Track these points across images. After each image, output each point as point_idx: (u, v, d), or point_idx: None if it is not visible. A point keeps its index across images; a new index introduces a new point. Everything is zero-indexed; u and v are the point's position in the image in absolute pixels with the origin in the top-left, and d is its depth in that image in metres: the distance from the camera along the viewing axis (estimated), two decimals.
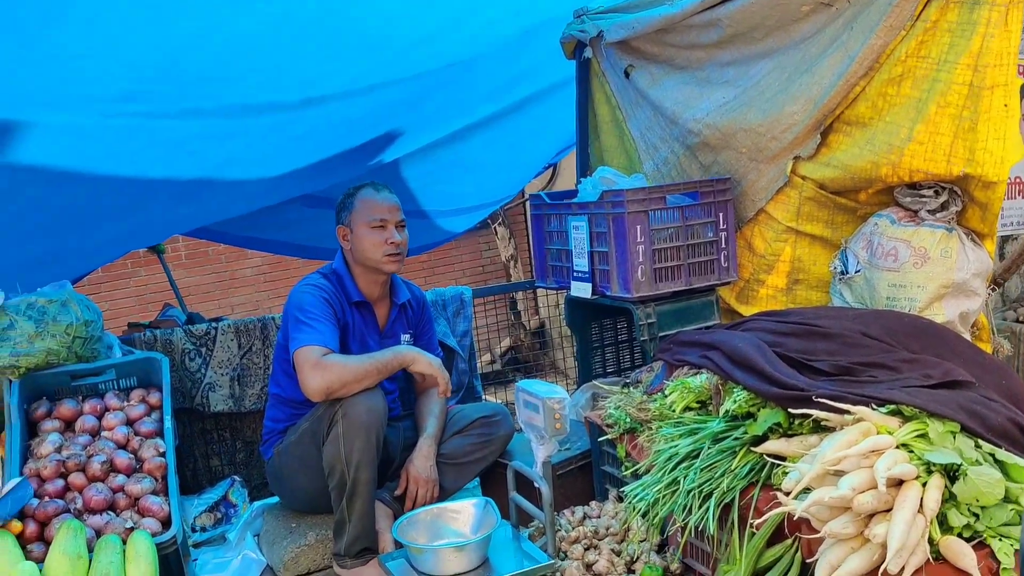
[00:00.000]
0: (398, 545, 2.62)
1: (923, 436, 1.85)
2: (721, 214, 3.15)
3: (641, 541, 2.52)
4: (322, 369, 2.68)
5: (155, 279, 7.16)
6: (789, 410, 2.04)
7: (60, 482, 2.76)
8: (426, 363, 2.88)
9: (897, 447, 1.83)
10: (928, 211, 2.67)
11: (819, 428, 2.02)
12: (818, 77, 2.83)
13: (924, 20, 2.54)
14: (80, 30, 2.46)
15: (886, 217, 2.75)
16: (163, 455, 2.92)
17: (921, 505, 1.74)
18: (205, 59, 2.84)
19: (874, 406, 1.92)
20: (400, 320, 3.19)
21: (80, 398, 3.08)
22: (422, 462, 2.97)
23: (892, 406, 1.92)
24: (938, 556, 1.74)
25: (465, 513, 2.62)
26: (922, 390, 1.95)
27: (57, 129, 2.86)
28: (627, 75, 3.60)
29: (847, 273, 2.84)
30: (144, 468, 2.88)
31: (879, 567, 1.70)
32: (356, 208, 3.02)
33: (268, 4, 2.72)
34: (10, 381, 2.96)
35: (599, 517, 2.74)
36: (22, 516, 2.63)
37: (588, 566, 2.50)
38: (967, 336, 2.66)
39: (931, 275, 2.61)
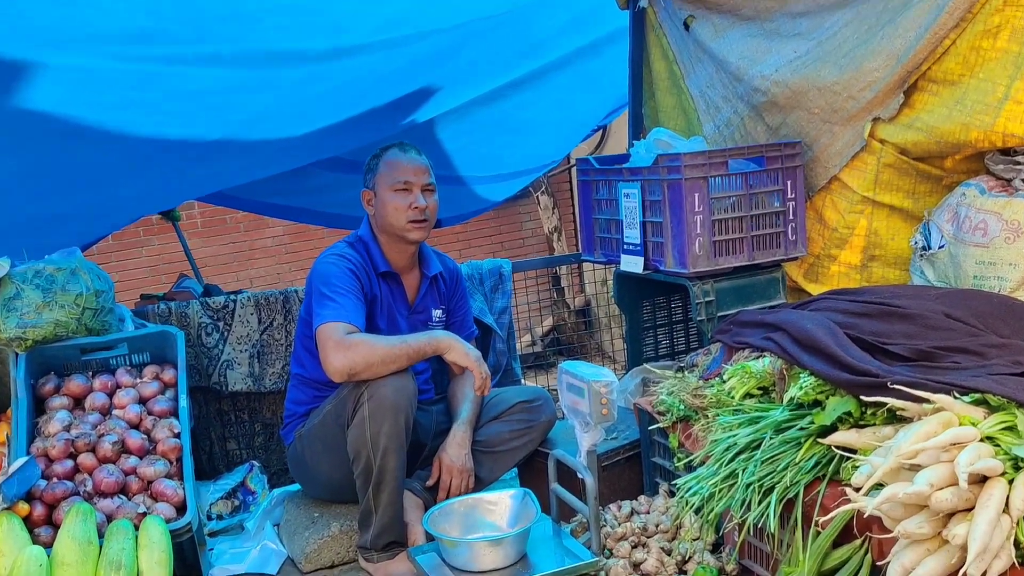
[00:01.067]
0: (429, 538, 2.66)
1: (1011, 428, 1.82)
2: (789, 182, 3.12)
3: (694, 539, 2.52)
4: (345, 348, 2.71)
5: (169, 248, 7.26)
6: (861, 398, 2.02)
7: (69, 463, 2.82)
8: (462, 353, 2.88)
9: (981, 440, 1.80)
10: (1023, 180, 2.62)
11: (894, 418, 2.00)
12: (902, 29, 2.78)
13: None
14: None
15: (975, 187, 2.70)
16: (178, 436, 2.98)
17: (1007, 504, 1.72)
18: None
19: (956, 394, 1.90)
20: (431, 294, 3.22)
21: (90, 374, 3.14)
22: (456, 450, 3.00)
23: (977, 395, 1.89)
24: None
25: (502, 505, 2.64)
26: (1011, 378, 1.91)
27: (67, 72, 2.89)
28: (687, 27, 3.57)
29: (929, 249, 2.80)
30: (158, 450, 2.94)
31: (958, 571, 1.69)
32: (380, 170, 3.04)
33: None
34: (16, 354, 3.02)
35: (648, 513, 2.75)
36: (29, 498, 2.69)
37: (635, 565, 2.51)
38: None
39: None
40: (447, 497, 2.89)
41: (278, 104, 3.57)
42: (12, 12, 2.61)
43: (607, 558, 2.53)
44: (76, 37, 2.79)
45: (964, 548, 1.70)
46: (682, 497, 2.32)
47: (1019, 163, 2.62)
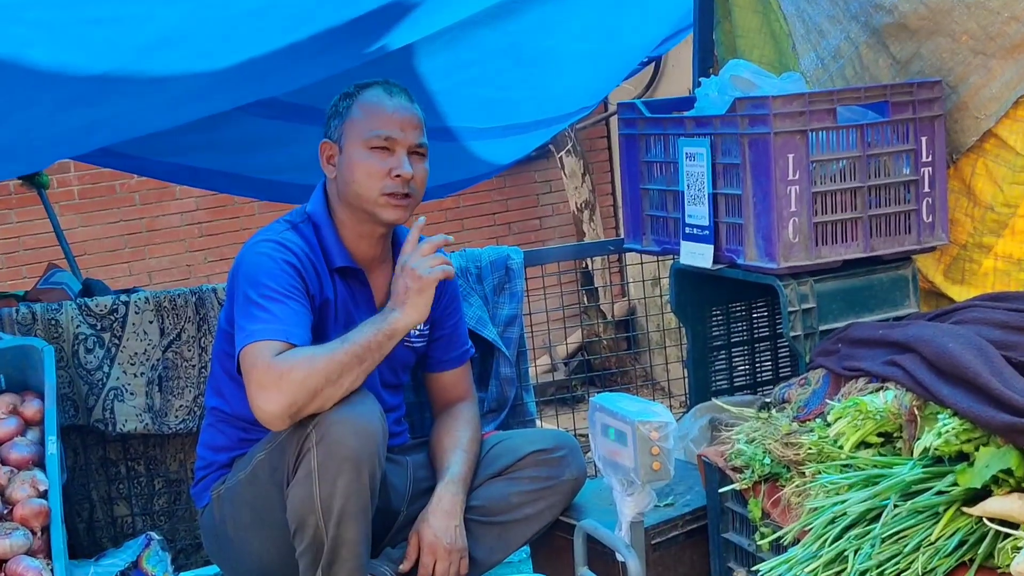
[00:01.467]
0: None
1: None
2: (924, 138, 3.09)
3: None
4: (277, 378, 2.69)
5: (33, 228, 7.30)
6: None
7: None
8: (417, 306, 2.88)
9: None
10: None
11: None
12: None
13: None
14: None
15: None
16: (44, 496, 2.97)
17: None
18: None
19: None
20: None
21: None
22: (442, 520, 2.98)
23: None
24: None
25: None
26: None
27: None
28: None
29: None
30: (15, 515, 2.93)
31: None
32: (353, 115, 3.03)
33: None
34: None
35: None
36: None
37: None
38: None
39: None
40: None
41: (190, 23, 3.53)
42: None
43: None
44: None
45: None
46: None
47: None
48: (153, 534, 3.57)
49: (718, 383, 3.69)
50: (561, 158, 8.41)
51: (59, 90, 3.50)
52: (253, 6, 3.60)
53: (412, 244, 2.92)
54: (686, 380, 3.88)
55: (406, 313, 2.84)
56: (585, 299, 8.00)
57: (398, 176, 2.96)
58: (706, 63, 3.93)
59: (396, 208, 3.00)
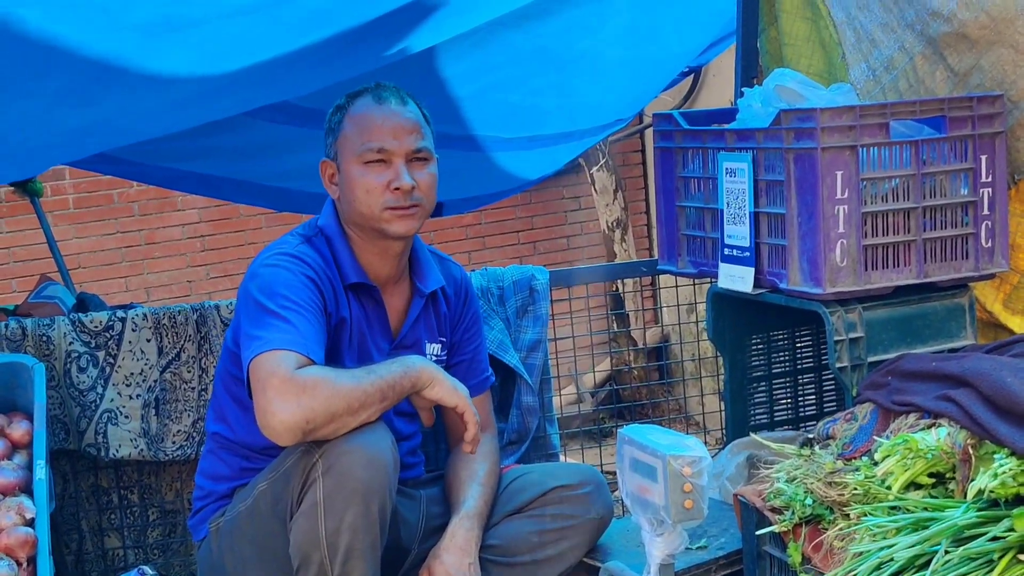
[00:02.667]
0: None
1: None
2: (984, 156, 3.08)
3: None
4: (298, 391, 2.66)
5: (24, 239, 7.35)
6: None
7: None
8: (447, 388, 2.89)
9: None
10: None
11: None
12: None
13: None
14: None
15: None
16: (31, 524, 2.98)
17: None
18: None
19: None
20: (426, 320, 3.22)
21: None
22: (456, 558, 2.98)
23: None
24: None
25: None
26: None
27: None
28: None
29: None
30: (0, 543, 2.95)
31: None
32: (344, 130, 3.03)
33: None
34: None
35: None
36: None
37: None
38: None
39: None
40: None
41: (199, 16, 3.52)
42: None
43: None
44: None
45: None
46: None
47: None
48: (146, 568, 3.58)
49: (757, 417, 3.68)
50: (592, 173, 8.41)
51: (54, 76, 3.47)
52: (266, 3, 3.62)
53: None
54: (722, 414, 3.87)
55: (436, 377, 2.88)
56: (615, 325, 7.99)
57: (398, 188, 2.95)
58: (749, 72, 3.92)
59: (403, 220, 3.00)
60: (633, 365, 7.99)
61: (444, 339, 3.25)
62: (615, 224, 8.46)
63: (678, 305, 5.95)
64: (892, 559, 2.25)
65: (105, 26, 3.28)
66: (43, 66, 3.35)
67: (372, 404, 2.74)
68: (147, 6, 3.31)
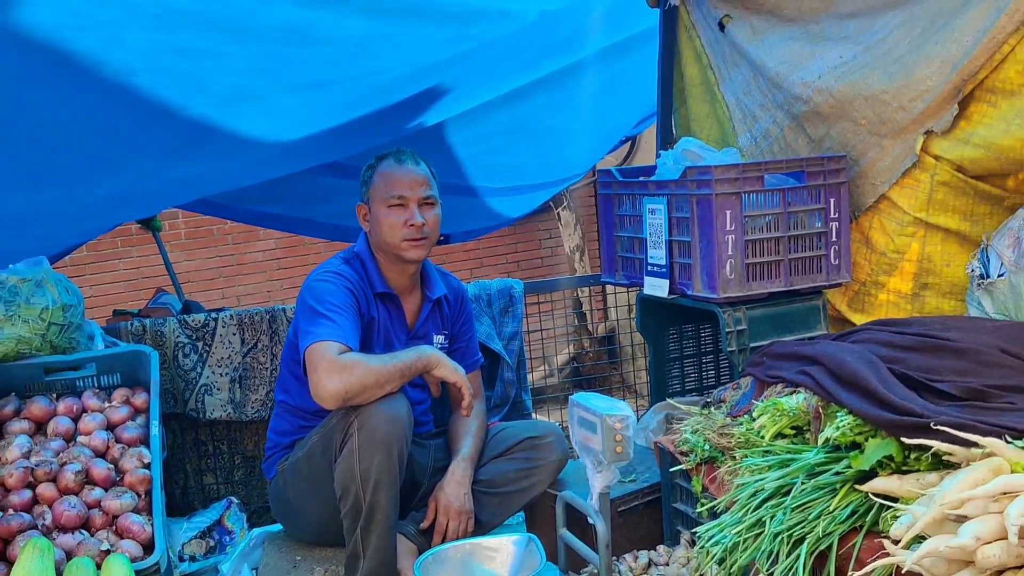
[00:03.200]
0: None
1: None
2: (832, 199, 3.09)
3: None
4: (340, 369, 2.72)
5: (149, 262, 7.33)
6: (903, 440, 2.00)
7: (27, 493, 2.85)
8: (449, 369, 2.94)
9: None
10: None
11: (940, 464, 1.99)
12: (958, 34, 2.77)
13: None
14: None
15: None
16: (148, 467, 2.99)
17: None
18: None
19: (1009, 438, 1.88)
20: (433, 318, 3.24)
21: (54, 396, 3.16)
22: (454, 489, 3.00)
23: None
24: None
25: (504, 552, 2.63)
26: None
27: None
28: (722, 28, 3.58)
29: (988, 277, 2.77)
30: (125, 481, 2.95)
31: None
32: (375, 183, 3.08)
33: None
34: None
35: (667, 564, 2.74)
36: None
37: None
38: None
39: None
40: (443, 541, 2.89)
41: (261, 91, 3.50)
42: None
43: None
44: None
45: None
46: (703, 547, 2.30)
47: None
48: (233, 499, 3.59)
49: (672, 387, 3.68)
50: (559, 212, 8.41)
51: (160, 134, 3.43)
52: (320, 88, 3.61)
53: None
54: (649, 384, 3.87)
55: (442, 361, 2.94)
56: (575, 320, 7.98)
57: (412, 225, 3.02)
58: (666, 140, 3.92)
59: (416, 248, 3.06)
60: (588, 350, 7.97)
61: (447, 332, 3.28)
62: (575, 248, 8.46)
63: (618, 306, 5.98)
64: (763, 488, 2.25)
65: (196, 92, 3.26)
66: (150, 123, 3.32)
67: (394, 380, 2.79)
68: (222, 76, 3.27)
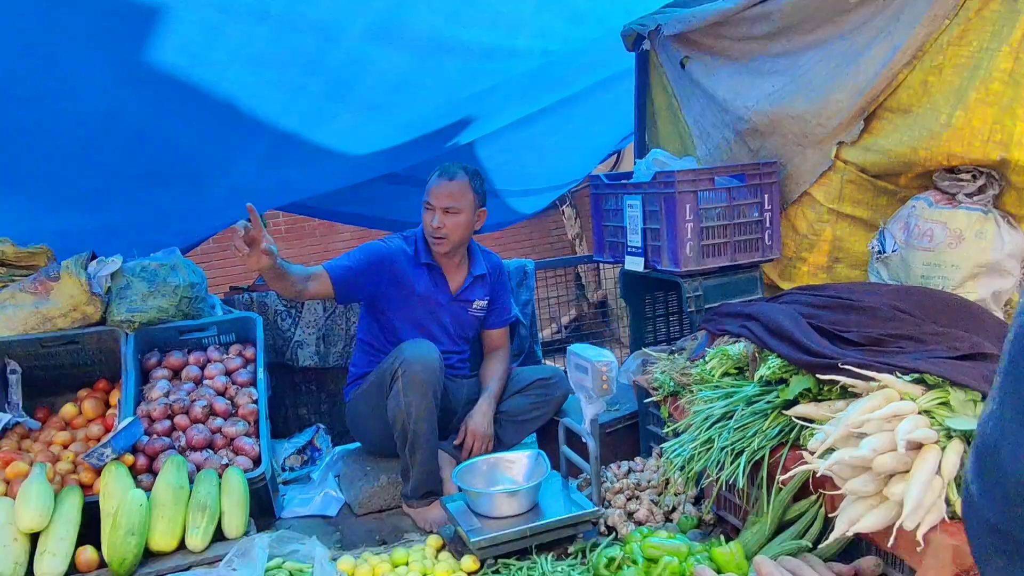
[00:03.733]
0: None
1: (945, 404, 1.79)
2: (766, 195, 3.07)
3: (678, 494, 2.51)
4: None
5: None
6: (818, 376, 2.00)
7: (167, 422, 2.88)
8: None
9: (919, 413, 1.78)
10: (965, 194, 2.56)
11: (846, 394, 1.98)
12: (863, 67, 2.74)
13: (967, 9, 2.43)
14: None
15: (924, 200, 2.65)
16: (256, 402, 3.01)
17: (940, 468, 1.70)
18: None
19: (899, 374, 1.87)
20: (476, 288, 3.19)
21: (186, 351, 3.18)
22: (480, 418, 3.00)
23: (916, 375, 1.87)
24: (955, 515, 1.70)
25: (519, 463, 2.64)
26: (947, 361, 1.89)
27: (185, 21, 2.60)
28: (683, 66, 3.55)
29: (884, 252, 2.75)
30: (239, 413, 2.98)
31: (896, 523, 1.67)
32: (426, 188, 3.05)
33: None
34: (126, 334, 3.07)
35: (642, 471, 2.74)
36: (134, 450, 2.75)
37: (630, 514, 2.50)
38: (999, 314, 2.56)
39: (965, 255, 2.52)
40: (468, 457, 2.89)
41: (333, 112, 3.50)
42: None
43: (606, 508, 2.53)
44: None
45: (901, 504, 1.69)
46: (668, 458, 2.31)
47: (961, 180, 2.57)
48: (320, 425, 3.61)
49: (647, 339, 3.66)
50: (563, 209, 8.39)
51: (259, 144, 3.39)
52: (377, 110, 3.58)
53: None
54: (630, 337, 3.86)
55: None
56: (576, 290, 7.96)
57: (433, 226, 2.97)
58: (642, 152, 3.90)
59: (437, 243, 3.02)
60: (587, 312, 7.95)
61: (488, 297, 3.22)
62: (575, 236, 8.44)
63: (608, 278, 5.94)
64: (713, 413, 2.26)
65: (284, 113, 3.25)
66: (251, 135, 3.31)
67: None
68: (302, 101, 3.25)
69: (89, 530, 2.48)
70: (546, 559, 2.23)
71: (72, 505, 2.51)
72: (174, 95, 2.90)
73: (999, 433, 0.66)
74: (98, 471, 2.65)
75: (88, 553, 2.41)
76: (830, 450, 1.84)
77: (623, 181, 3.32)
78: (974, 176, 2.55)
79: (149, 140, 3.15)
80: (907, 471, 1.71)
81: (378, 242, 3.06)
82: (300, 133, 3.41)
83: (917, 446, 1.73)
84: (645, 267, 3.20)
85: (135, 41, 2.61)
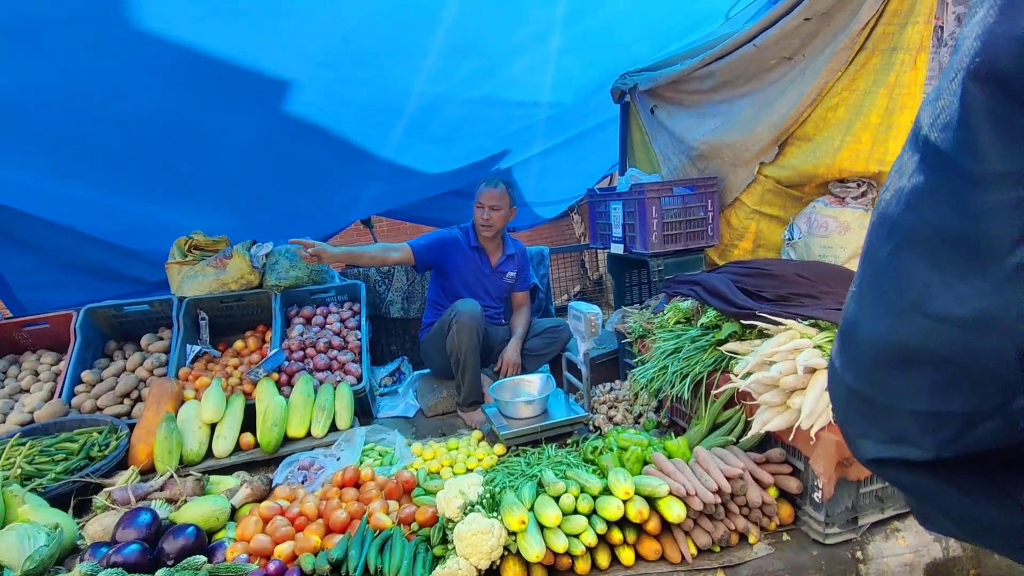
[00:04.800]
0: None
1: (833, 341, 1.68)
2: (709, 200, 2.95)
3: (644, 405, 2.43)
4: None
5: (368, 241, 7.33)
6: (742, 322, 1.90)
7: (301, 353, 2.87)
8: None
9: (814, 347, 1.67)
10: (852, 197, 2.42)
11: (763, 335, 1.88)
12: (779, 108, 2.59)
13: (855, 64, 2.28)
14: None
15: (821, 202, 2.52)
16: (360, 340, 2.99)
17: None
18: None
19: (800, 320, 1.77)
20: (507, 263, 3.10)
21: (314, 305, 3.17)
22: (511, 352, 2.93)
23: (812, 320, 1.76)
24: None
25: (535, 382, 2.58)
26: (834, 311, 1.77)
27: (311, 87, 2.61)
28: (652, 112, 3.41)
29: (792, 239, 2.62)
30: (349, 347, 2.96)
31: (795, 424, 1.57)
32: (477, 193, 2.98)
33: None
34: (275, 294, 3.07)
35: (619, 389, 2.66)
36: (279, 371, 2.75)
37: (610, 418, 2.43)
38: None
39: (850, 240, 2.38)
40: (502, 378, 2.83)
41: (420, 151, 3.45)
42: (276, 42, 2.28)
43: (593, 414, 2.46)
44: (322, 62, 2.52)
45: (799, 412, 1.59)
46: (636, 380, 2.23)
47: (849, 187, 2.43)
48: (404, 357, 3.57)
49: (626, 300, 3.58)
50: (573, 215, 8.23)
51: (362, 166, 3.35)
52: (443, 143, 3.51)
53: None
54: (615, 300, 3.77)
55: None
56: (581, 271, 7.83)
57: (483, 218, 2.89)
58: (623, 171, 3.79)
59: (484, 230, 2.94)
60: (588, 284, 7.82)
61: (515, 270, 3.15)
62: (582, 235, 8.28)
63: (602, 261, 5.81)
64: (667, 348, 2.16)
65: (380, 144, 3.21)
66: (357, 160, 3.26)
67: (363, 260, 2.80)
68: (392, 135, 3.20)
69: (248, 422, 2.50)
70: (551, 447, 2.17)
71: (237, 406, 2.52)
72: (304, 133, 2.88)
73: (857, 309, 0.56)
74: (255, 384, 2.66)
75: (247, 437, 2.43)
76: (749, 373, 1.74)
77: (610, 192, 3.22)
78: (858, 184, 2.41)
79: (288, 164, 3.15)
80: (804, 388, 1.61)
81: (444, 231, 2.99)
82: (392, 158, 3.38)
83: (812, 370, 1.62)
84: (624, 251, 3.10)
85: (276, 99, 2.60)
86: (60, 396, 2.56)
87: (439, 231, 2.96)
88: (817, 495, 1.60)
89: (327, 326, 3.05)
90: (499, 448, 2.28)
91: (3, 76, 2.02)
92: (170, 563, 1.57)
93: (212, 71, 2.25)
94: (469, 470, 2.14)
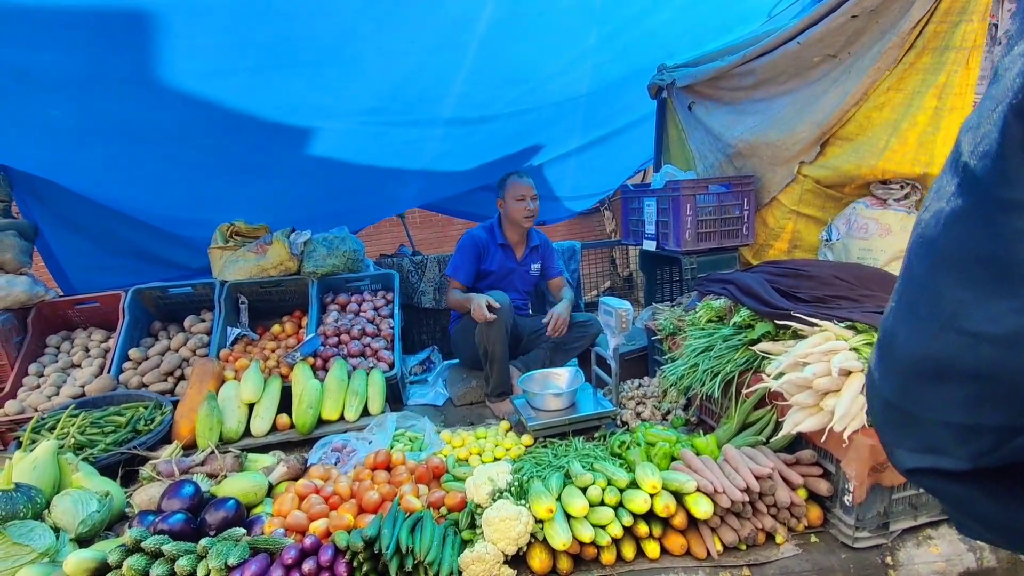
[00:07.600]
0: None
1: (869, 344, 1.66)
2: (745, 199, 2.91)
3: (672, 402, 2.42)
4: (447, 294, 2.83)
5: (401, 232, 7.44)
6: (776, 322, 1.89)
7: (335, 338, 2.93)
8: (475, 307, 2.66)
9: (849, 350, 1.65)
10: (894, 200, 2.37)
11: (796, 336, 1.86)
12: (821, 107, 2.55)
13: (904, 63, 2.22)
14: (344, 69, 2.50)
15: (862, 203, 2.47)
16: (392, 328, 3.04)
17: (862, 389, 1.58)
18: (418, 88, 2.85)
19: (836, 322, 1.74)
20: (532, 256, 3.11)
21: (350, 293, 3.22)
22: (561, 308, 2.86)
23: (849, 323, 1.73)
24: (872, 424, 1.57)
25: (564, 376, 2.59)
26: (872, 314, 1.74)
27: (332, 132, 2.89)
28: (690, 109, 3.38)
29: (830, 241, 2.58)
30: (382, 334, 3.01)
31: (827, 426, 1.56)
32: (508, 188, 2.97)
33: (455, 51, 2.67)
34: (313, 281, 3.14)
35: (648, 386, 2.65)
36: (314, 355, 2.81)
37: (638, 414, 2.43)
38: None
39: (892, 243, 2.33)
40: (551, 332, 2.78)
41: (453, 150, 3.52)
42: (300, 102, 2.66)
43: (622, 409, 2.46)
44: (335, 113, 2.80)
45: (832, 413, 1.57)
46: (666, 377, 2.22)
47: (892, 188, 2.37)
48: (435, 346, 3.61)
49: (657, 297, 3.56)
50: (604, 210, 8.18)
51: (397, 175, 3.50)
52: (477, 141, 3.55)
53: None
54: (645, 296, 3.76)
55: (474, 305, 2.67)
56: (611, 267, 7.79)
57: (530, 209, 2.89)
58: (657, 167, 3.76)
59: (529, 220, 2.94)
60: (619, 281, 7.78)
61: (540, 261, 3.15)
62: (612, 231, 8.22)
63: (631, 258, 5.76)
64: (698, 347, 2.15)
65: (417, 157, 3.33)
66: (395, 172, 3.41)
67: (463, 308, 2.78)
68: (431, 146, 3.31)
69: (284, 404, 2.57)
70: (579, 440, 2.19)
71: (275, 387, 2.59)
72: (332, 167, 3.14)
73: (895, 322, 0.58)
74: (291, 367, 2.73)
75: (283, 418, 2.50)
76: (782, 374, 1.73)
77: (644, 188, 3.20)
78: (901, 186, 2.35)
79: (326, 182, 3.34)
80: (838, 390, 1.59)
81: (467, 236, 2.97)
82: (428, 166, 3.55)
83: (847, 373, 1.60)
84: (656, 248, 3.09)
85: (300, 144, 2.92)
86: (109, 372, 2.68)
87: (463, 243, 2.96)
88: (848, 498, 1.58)
89: (361, 313, 3.10)
90: (527, 439, 2.30)
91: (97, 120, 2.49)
92: (212, 533, 1.64)
93: (259, 126, 2.68)
94: (497, 459, 2.17)
